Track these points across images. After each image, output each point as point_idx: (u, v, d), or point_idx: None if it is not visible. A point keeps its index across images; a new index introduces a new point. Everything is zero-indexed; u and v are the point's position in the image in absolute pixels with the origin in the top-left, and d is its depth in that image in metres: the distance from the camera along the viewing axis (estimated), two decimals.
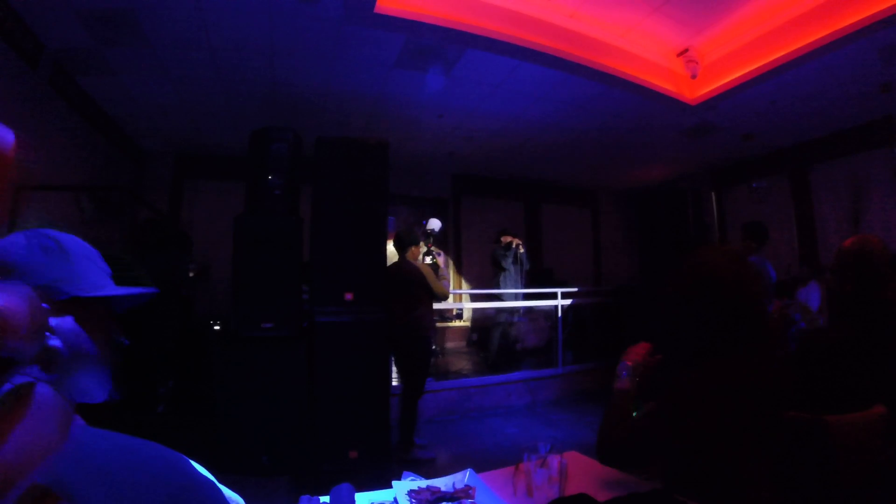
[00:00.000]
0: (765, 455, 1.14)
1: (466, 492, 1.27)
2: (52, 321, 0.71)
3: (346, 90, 4.90)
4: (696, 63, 4.61)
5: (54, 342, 0.71)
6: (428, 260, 5.52)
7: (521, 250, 6.02)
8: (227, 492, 0.73)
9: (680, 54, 4.65)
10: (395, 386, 4.09)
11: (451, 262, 8.41)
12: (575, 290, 6.48)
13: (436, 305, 4.33)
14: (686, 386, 1.20)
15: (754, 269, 1.19)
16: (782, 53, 4.10)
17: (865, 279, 1.75)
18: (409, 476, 1.37)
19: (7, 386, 0.44)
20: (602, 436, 1.36)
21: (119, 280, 0.81)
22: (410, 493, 1.28)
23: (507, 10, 3.90)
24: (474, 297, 7.35)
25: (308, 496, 1.14)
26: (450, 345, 7.20)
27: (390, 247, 4.01)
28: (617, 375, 1.40)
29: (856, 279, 1.76)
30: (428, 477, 1.39)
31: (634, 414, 1.33)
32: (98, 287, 0.77)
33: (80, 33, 3.76)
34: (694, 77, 4.68)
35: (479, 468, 1.44)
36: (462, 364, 6.32)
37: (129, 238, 5.18)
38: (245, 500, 0.82)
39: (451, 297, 5.87)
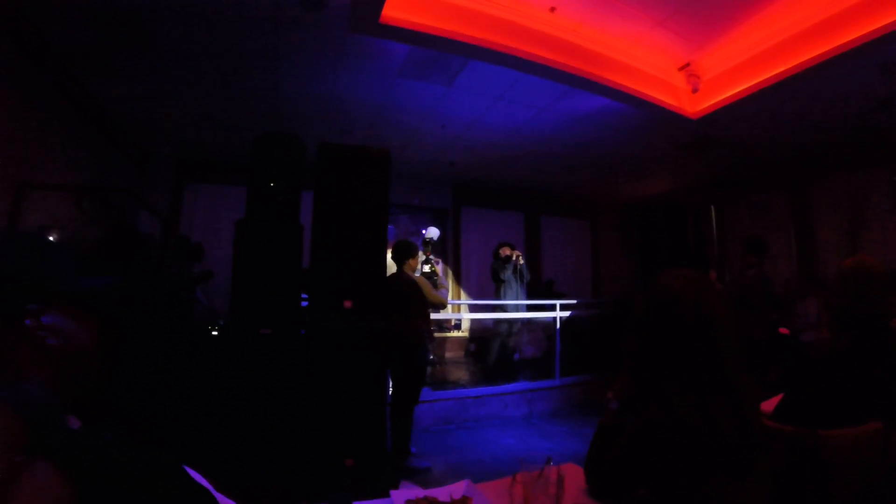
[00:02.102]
0: (752, 471, 1.12)
1: (464, 502, 1.27)
2: (45, 320, 0.71)
3: (348, 98, 4.93)
4: (698, 77, 4.65)
5: (51, 342, 0.71)
6: (426, 268, 5.52)
7: (521, 262, 6.02)
8: (222, 499, 0.73)
9: (681, 69, 4.68)
10: (390, 394, 4.07)
11: (450, 272, 8.41)
12: (574, 302, 6.48)
13: (434, 315, 4.31)
14: (653, 411, 1.18)
15: (714, 292, 1.18)
16: (783, 69, 4.13)
17: (863, 296, 1.76)
18: (407, 486, 1.36)
19: None
20: (588, 468, 1.37)
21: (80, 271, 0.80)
22: (408, 502, 1.27)
23: (511, 22, 3.93)
24: (473, 309, 7.35)
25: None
26: (448, 355, 7.18)
27: (388, 257, 4.01)
28: (606, 408, 1.40)
29: (854, 296, 1.78)
30: (424, 487, 1.38)
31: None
32: (75, 279, 0.77)
33: (87, 34, 3.78)
34: (695, 91, 4.72)
35: (475, 479, 1.43)
36: (460, 374, 6.30)
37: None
38: None
39: (449, 307, 5.86)
